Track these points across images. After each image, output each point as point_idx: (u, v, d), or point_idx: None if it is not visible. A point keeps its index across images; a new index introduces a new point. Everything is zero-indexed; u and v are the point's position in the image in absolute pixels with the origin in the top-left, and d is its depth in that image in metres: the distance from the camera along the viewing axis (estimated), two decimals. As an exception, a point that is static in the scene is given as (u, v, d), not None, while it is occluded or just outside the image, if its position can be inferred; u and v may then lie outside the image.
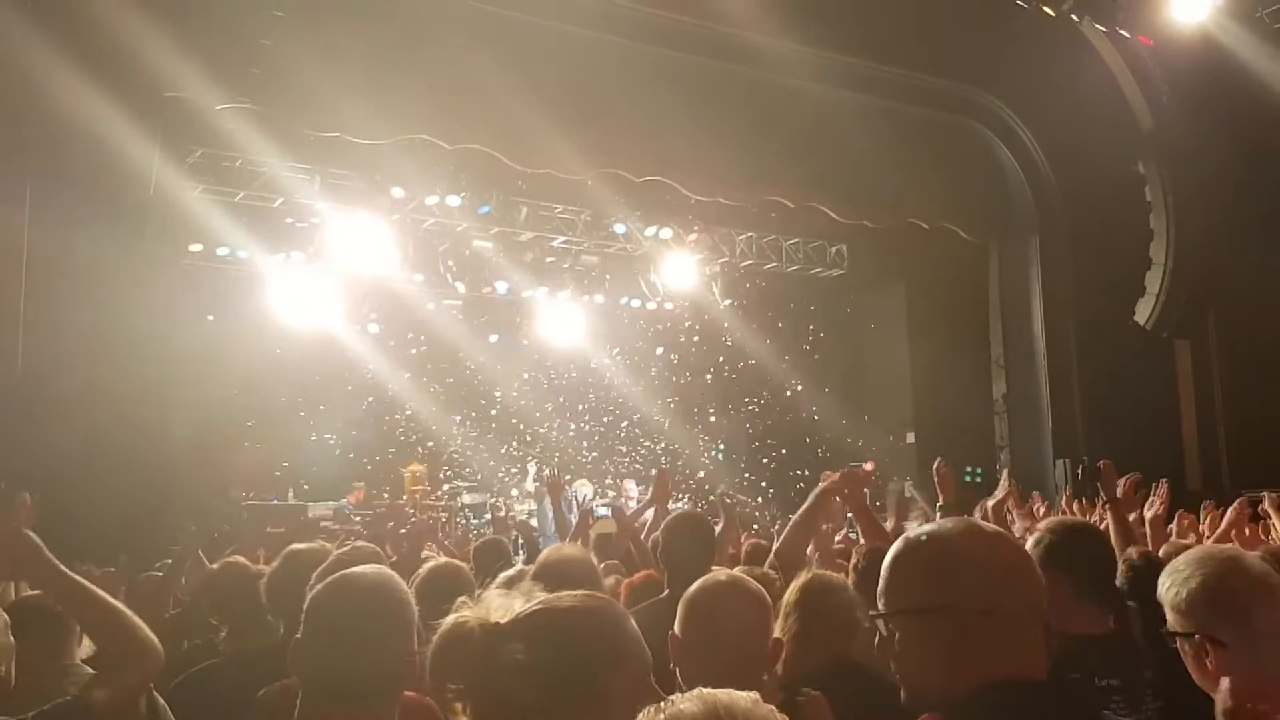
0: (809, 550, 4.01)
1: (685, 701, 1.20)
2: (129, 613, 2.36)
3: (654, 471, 4.47)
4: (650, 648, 1.89)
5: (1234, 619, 2.13)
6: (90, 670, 2.70)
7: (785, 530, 3.78)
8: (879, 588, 1.69)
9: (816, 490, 3.84)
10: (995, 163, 14.84)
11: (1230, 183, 13.51)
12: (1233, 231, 13.72)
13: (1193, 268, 14.15)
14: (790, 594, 2.95)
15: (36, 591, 2.75)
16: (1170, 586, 2.23)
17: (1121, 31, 12.73)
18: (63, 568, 2.31)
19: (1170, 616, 2.23)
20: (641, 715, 1.20)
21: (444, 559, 3.99)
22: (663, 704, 1.20)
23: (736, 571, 2.64)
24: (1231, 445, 14.29)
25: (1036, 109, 14.14)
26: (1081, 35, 13.38)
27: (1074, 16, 12.43)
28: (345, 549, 3.11)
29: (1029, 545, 2.78)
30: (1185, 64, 12.93)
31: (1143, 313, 14.32)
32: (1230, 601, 2.14)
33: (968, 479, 15.07)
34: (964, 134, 14.59)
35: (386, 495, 14.49)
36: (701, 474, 17.03)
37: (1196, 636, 2.15)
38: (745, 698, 1.21)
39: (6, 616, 2.39)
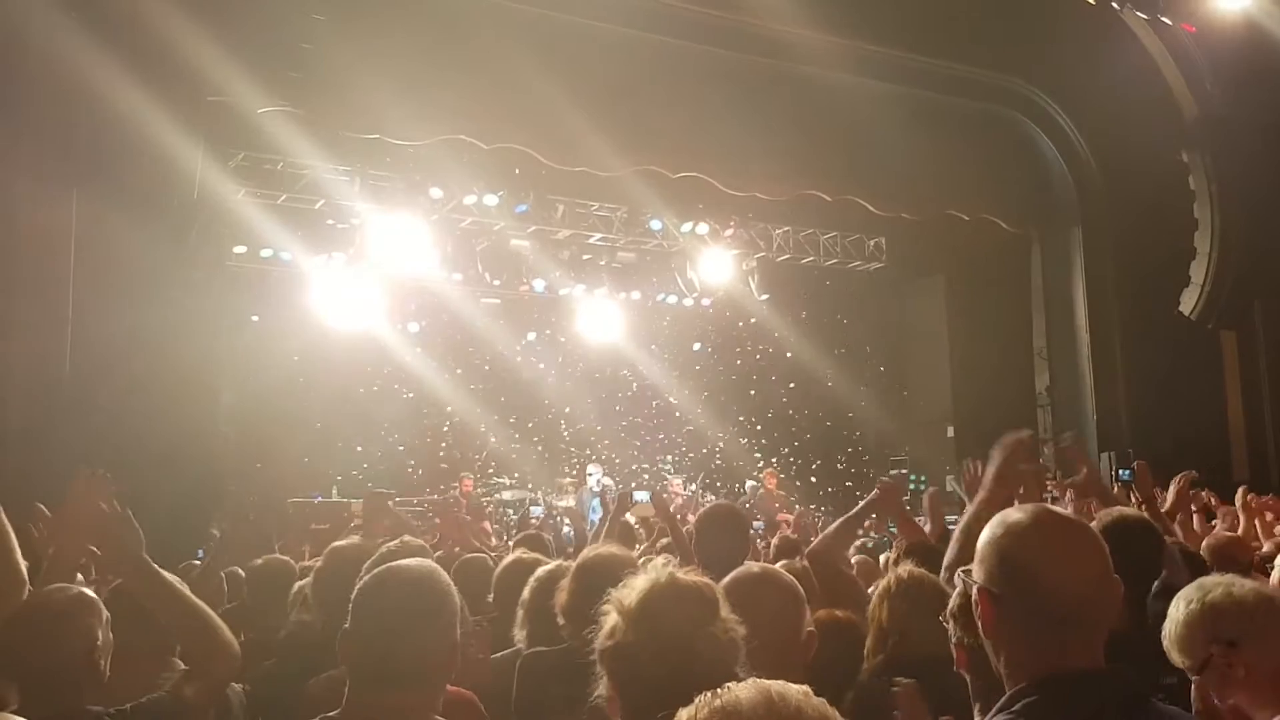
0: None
1: (741, 689, 1.21)
2: (212, 613, 2.45)
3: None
4: None
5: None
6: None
7: (827, 531, 3.80)
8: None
9: (865, 501, 3.95)
10: (1036, 153, 14.67)
11: (1276, 170, 13.28)
12: (1279, 220, 13.48)
13: (1238, 257, 13.92)
14: (885, 584, 2.96)
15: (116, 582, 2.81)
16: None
17: (1163, 19, 12.55)
18: (155, 565, 2.39)
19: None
20: (698, 699, 1.22)
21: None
22: (719, 690, 1.22)
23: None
24: (1279, 434, 14.06)
25: (1078, 98, 13.96)
26: (1122, 23, 13.20)
27: (1115, 4, 12.27)
28: (393, 544, 3.17)
29: None
30: (1229, 50, 12.72)
31: (1188, 303, 14.11)
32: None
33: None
34: (1004, 124, 14.44)
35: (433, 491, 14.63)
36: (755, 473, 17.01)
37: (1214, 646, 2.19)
38: (799, 689, 1.22)
39: (107, 613, 2.47)
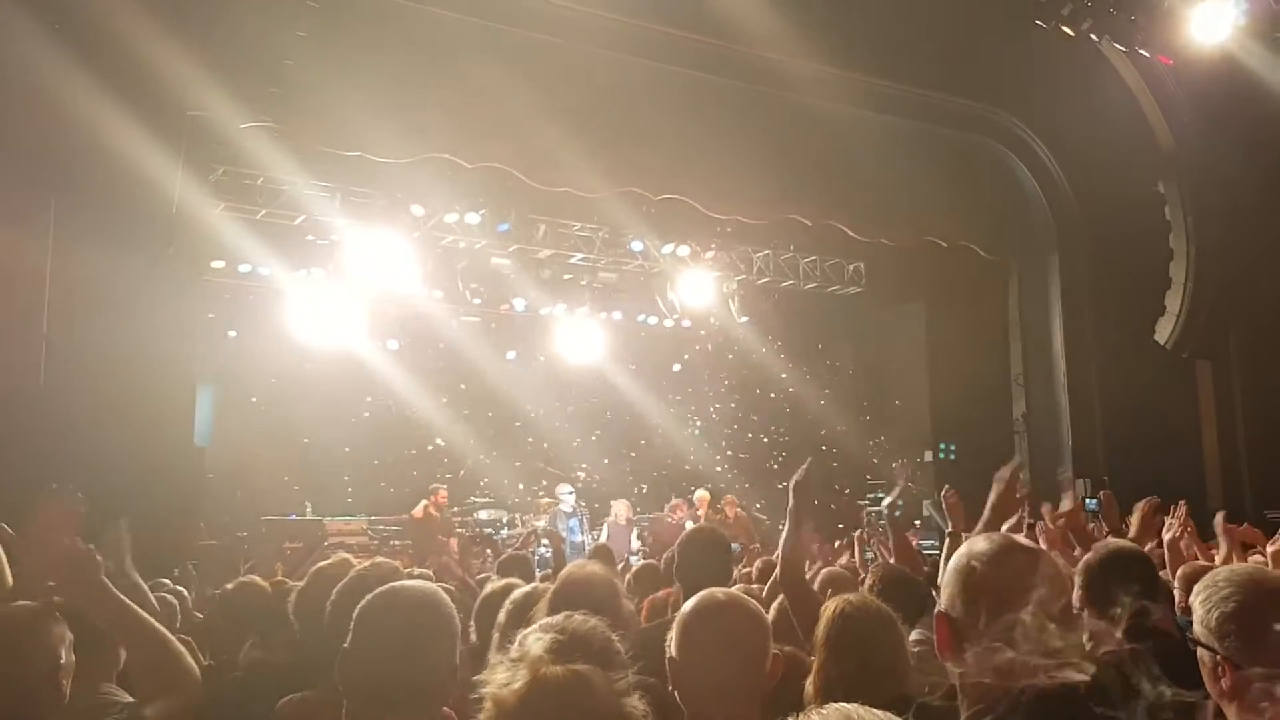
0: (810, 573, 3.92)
1: (829, 713, 1.22)
2: (173, 639, 2.41)
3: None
4: (660, 664, 1.97)
5: (1260, 650, 2.10)
6: (123, 698, 2.73)
7: (779, 550, 3.54)
8: None
9: (791, 504, 3.51)
10: (1015, 181, 14.82)
11: (1251, 202, 13.45)
12: (1253, 251, 13.65)
13: (1213, 287, 14.07)
14: (822, 626, 2.83)
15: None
16: (1205, 601, 2.24)
17: (1141, 51, 12.70)
18: (114, 590, 2.36)
19: (1198, 628, 2.24)
20: None
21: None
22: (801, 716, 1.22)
23: (735, 590, 2.62)
24: (1254, 465, 14.16)
25: (1056, 128, 14.12)
26: (1101, 55, 13.35)
27: (1093, 36, 12.41)
28: (365, 564, 3.14)
29: None
30: (1205, 83, 12.88)
31: (1163, 332, 14.24)
32: (1262, 633, 2.11)
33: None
34: (983, 153, 14.58)
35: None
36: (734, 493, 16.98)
37: (1218, 655, 2.15)
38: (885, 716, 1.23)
39: (70, 634, 2.43)
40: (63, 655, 2.37)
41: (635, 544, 12.97)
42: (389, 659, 2.03)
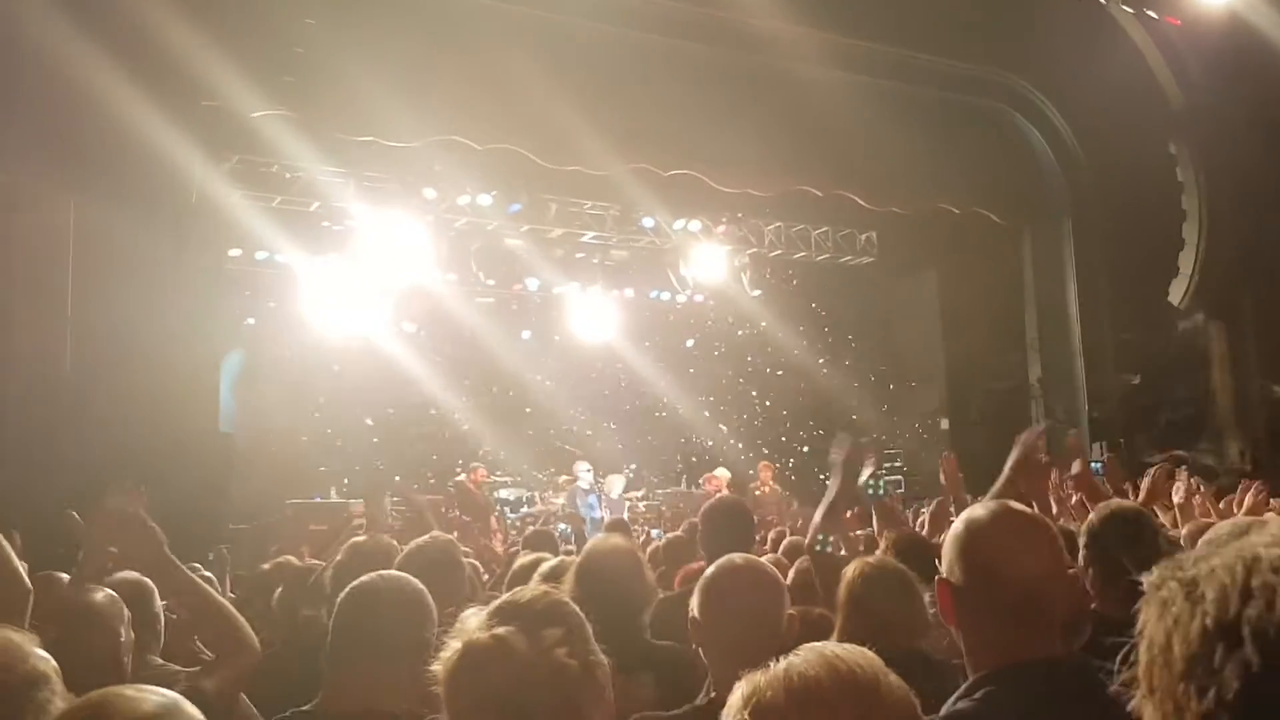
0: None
1: (800, 655, 1.27)
2: (233, 609, 2.53)
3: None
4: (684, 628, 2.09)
5: None
6: (174, 667, 2.84)
7: (814, 523, 3.67)
8: None
9: (835, 475, 3.69)
10: (1026, 145, 14.77)
11: (1262, 162, 13.39)
12: (1266, 211, 13.60)
13: (1226, 247, 14.04)
14: (844, 587, 2.92)
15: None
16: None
17: (1149, 12, 12.66)
18: (178, 563, 2.48)
19: None
20: (759, 672, 1.26)
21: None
22: (781, 659, 1.27)
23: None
24: (1270, 423, 14.17)
25: (1066, 91, 14.06)
26: (1110, 16, 13.30)
27: (1101, -2, 12.38)
28: (422, 540, 3.24)
29: None
30: (1214, 44, 12.82)
31: (1176, 293, 14.23)
32: None
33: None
34: (993, 117, 14.53)
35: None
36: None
37: None
38: (859, 651, 1.29)
39: (128, 611, 2.55)
40: (123, 633, 2.50)
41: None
42: (361, 611, 2.23)
